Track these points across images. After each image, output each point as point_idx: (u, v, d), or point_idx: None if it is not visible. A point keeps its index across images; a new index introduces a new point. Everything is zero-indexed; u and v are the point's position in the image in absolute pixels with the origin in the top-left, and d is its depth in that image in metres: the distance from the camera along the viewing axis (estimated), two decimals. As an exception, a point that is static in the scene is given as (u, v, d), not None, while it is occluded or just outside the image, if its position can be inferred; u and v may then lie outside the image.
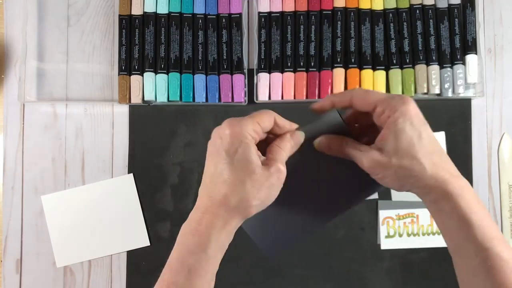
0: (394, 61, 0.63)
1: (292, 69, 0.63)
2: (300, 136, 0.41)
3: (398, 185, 0.38)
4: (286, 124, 0.41)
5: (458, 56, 0.62)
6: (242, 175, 0.36)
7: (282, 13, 0.63)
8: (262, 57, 0.63)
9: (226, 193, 0.37)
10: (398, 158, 0.36)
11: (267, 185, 0.37)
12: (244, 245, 0.46)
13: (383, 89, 0.62)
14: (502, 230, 0.64)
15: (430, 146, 0.38)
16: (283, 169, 0.38)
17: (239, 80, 0.63)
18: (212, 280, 0.39)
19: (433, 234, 0.64)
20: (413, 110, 0.38)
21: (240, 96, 0.63)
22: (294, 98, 0.63)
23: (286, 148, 0.40)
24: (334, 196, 0.43)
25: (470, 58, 0.62)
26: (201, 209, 0.38)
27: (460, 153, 0.65)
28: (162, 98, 0.63)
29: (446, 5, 0.63)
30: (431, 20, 0.63)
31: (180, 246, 0.41)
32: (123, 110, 0.65)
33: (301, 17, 0.63)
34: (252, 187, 0.36)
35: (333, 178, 0.44)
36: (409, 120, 0.38)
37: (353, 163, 0.40)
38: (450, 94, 0.62)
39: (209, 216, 0.38)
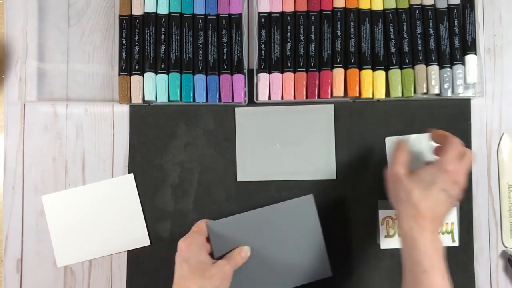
0: (394, 61, 0.63)
1: (292, 69, 0.63)
2: (247, 251, 0.57)
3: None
4: None
5: (458, 56, 0.63)
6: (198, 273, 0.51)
7: (282, 13, 0.64)
8: (262, 57, 0.63)
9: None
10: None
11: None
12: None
13: (382, 89, 0.62)
14: (501, 230, 0.65)
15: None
16: (228, 271, 0.53)
17: (239, 80, 0.63)
18: None
19: (433, 234, 0.64)
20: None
21: (240, 96, 0.63)
22: (294, 98, 0.63)
23: (234, 262, 0.55)
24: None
25: (470, 58, 0.63)
26: None
27: (460, 153, 0.65)
28: (162, 98, 0.63)
29: (446, 5, 0.63)
30: (430, 20, 0.63)
31: None
32: (123, 110, 0.65)
33: (301, 17, 0.63)
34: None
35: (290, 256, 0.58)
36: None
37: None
38: (449, 94, 0.63)
39: None
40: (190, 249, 0.53)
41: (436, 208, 0.50)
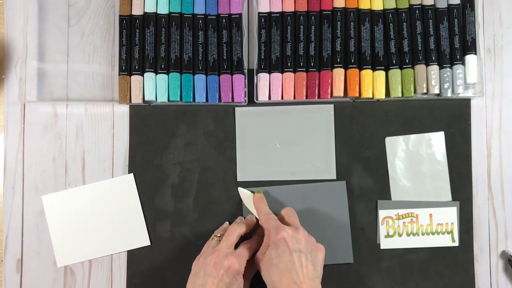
0: (394, 61, 0.63)
1: (292, 69, 0.63)
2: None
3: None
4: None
5: (458, 56, 0.63)
6: None
7: (282, 13, 0.64)
8: (262, 57, 0.63)
9: None
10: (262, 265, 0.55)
11: None
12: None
13: (382, 89, 0.63)
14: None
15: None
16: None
17: (239, 80, 0.63)
18: None
19: (433, 234, 0.64)
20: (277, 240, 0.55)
21: (240, 96, 0.63)
22: (294, 98, 0.63)
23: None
24: None
25: (470, 58, 0.63)
26: None
27: (460, 153, 0.65)
28: (162, 98, 0.63)
29: (446, 5, 0.63)
30: (430, 21, 0.63)
31: None
32: (123, 110, 0.65)
33: (301, 18, 0.63)
34: None
35: None
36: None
37: None
38: (449, 94, 0.63)
39: None
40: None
41: None
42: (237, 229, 0.58)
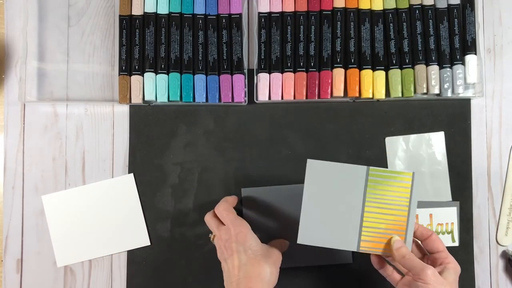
0: (394, 61, 0.63)
1: (292, 69, 0.63)
2: (287, 245, 0.62)
3: None
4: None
5: (458, 56, 0.63)
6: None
7: (282, 13, 0.64)
8: (262, 57, 0.63)
9: None
10: (448, 284, 0.49)
11: None
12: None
13: (382, 89, 0.63)
14: (497, 227, 0.65)
15: None
16: (281, 256, 0.58)
17: (239, 80, 0.63)
18: None
19: (433, 234, 0.64)
20: (459, 271, 0.53)
21: (240, 96, 0.63)
22: (294, 98, 0.63)
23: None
24: None
25: (470, 58, 0.63)
26: None
27: (460, 153, 0.65)
28: (162, 98, 0.63)
29: (446, 6, 0.63)
30: (430, 21, 0.63)
31: None
32: (123, 110, 0.65)
33: (301, 18, 0.63)
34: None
35: None
36: (456, 274, 0.51)
37: None
38: (449, 94, 0.63)
39: None
40: (250, 236, 0.54)
41: None
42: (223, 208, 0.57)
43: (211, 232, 0.59)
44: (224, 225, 0.56)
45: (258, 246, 0.54)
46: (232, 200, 0.59)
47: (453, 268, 0.51)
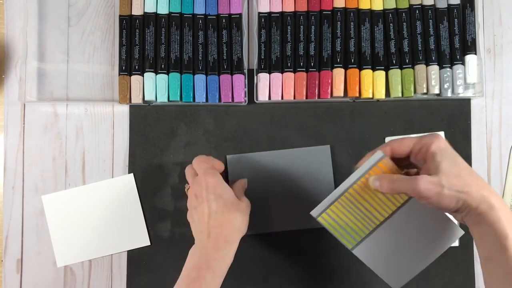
0: (394, 61, 0.63)
1: (292, 69, 0.63)
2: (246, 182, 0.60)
3: (451, 204, 0.44)
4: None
5: (458, 56, 0.63)
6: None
7: (282, 13, 0.64)
8: (262, 57, 0.63)
9: None
10: (446, 178, 0.43)
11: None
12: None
13: (382, 89, 0.63)
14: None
15: (467, 169, 0.45)
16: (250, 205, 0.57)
17: (239, 80, 0.63)
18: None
19: (433, 233, 0.64)
20: (444, 143, 0.46)
21: (240, 96, 0.63)
22: (294, 98, 0.63)
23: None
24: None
25: (470, 58, 0.63)
26: None
27: (460, 153, 0.64)
28: (162, 98, 0.63)
29: (446, 6, 0.63)
30: (430, 21, 0.63)
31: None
32: (123, 110, 0.65)
33: (301, 18, 0.63)
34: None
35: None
36: (444, 151, 0.45)
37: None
38: (449, 94, 0.63)
39: None
40: (221, 185, 0.54)
41: None
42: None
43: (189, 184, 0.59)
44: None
45: (228, 195, 0.54)
46: (218, 165, 0.58)
47: (436, 147, 0.45)
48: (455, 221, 0.54)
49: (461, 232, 0.53)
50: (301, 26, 0.63)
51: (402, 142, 0.48)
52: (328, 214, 0.52)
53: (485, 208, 0.43)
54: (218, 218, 0.52)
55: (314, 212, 0.52)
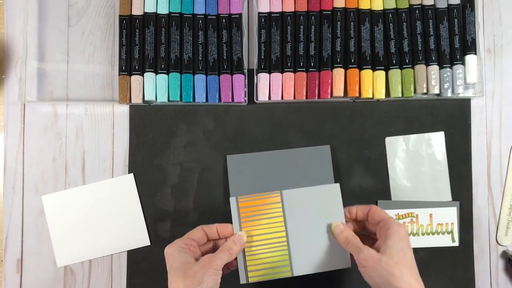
0: (394, 61, 0.63)
1: (292, 69, 0.63)
2: (243, 236, 0.55)
3: (379, 280, 0.48)
4: (220, 229, 0.56)
5: (458, 56, 0.63)
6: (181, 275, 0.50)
7: (282, 13, 0.64)
8: (262, 57, 0.63)
9: None
10: (387, 258, 0.48)
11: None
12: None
13: (382, 89, 0.63)
14: (498, 227, 0.65)
15: (412, 261, 0.50)
16: (214, 263, 0.51)
17: (239, 80, 0.63)
18: None
19: (433, 234, 0.64)
20: (405, 233, 0.51)
21: (240, 96, 0.63)
22: (294, 98, 0.63)
23: (228, 253, 0.53)
24: None
25: (470, 58, 0.63)
26: None
27: (460, 153, 0.65)
28: (162, 98, 0.63)
29: (446, 6, 0.63)
30: (430, 21, 0.63)
31: None
32: (123, 110, 0.65)
33: (301, 18, 0.63)
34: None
35: None
36: (399, 239, 0.49)
37: None
38: (449, 94, 0.63)
39: None
40: (171, 254, 0.52)
41: None
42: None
43: None
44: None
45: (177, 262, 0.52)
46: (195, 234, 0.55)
47: (395, 232, 0.50)
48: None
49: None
50: (301, 26, 0.63)
51: (379, 214, 0.53)
52: (251, 270, 0.55)
53: None
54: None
55: (242, 280, 0.55)
